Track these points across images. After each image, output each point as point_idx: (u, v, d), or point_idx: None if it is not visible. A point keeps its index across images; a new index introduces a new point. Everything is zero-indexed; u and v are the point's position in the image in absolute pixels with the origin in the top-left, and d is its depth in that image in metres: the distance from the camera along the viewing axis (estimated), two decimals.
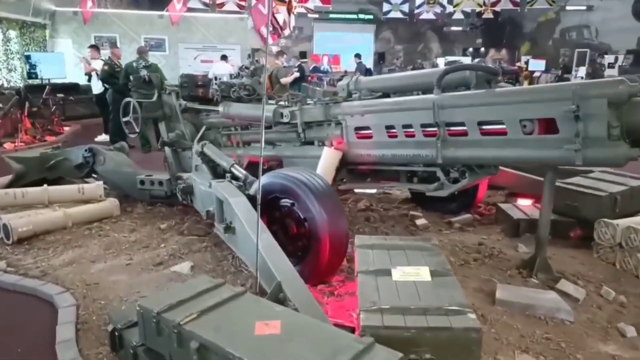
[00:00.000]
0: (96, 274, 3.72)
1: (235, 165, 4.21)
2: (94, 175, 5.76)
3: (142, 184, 5.04)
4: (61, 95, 12.08)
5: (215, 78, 6.11)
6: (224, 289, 2.45)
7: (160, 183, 4.94)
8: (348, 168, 4.33)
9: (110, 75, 9.53)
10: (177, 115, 5.44)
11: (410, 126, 3.66)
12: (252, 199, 3.58)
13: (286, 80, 10.77)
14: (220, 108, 4.90)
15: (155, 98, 5.47)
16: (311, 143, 4.43)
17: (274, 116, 4.41)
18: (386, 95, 4.12)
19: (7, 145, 8.78)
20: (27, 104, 10.09)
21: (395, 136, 3.75)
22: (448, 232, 4.67)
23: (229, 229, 3.49)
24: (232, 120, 4.98)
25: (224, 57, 13.53)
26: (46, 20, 15.19)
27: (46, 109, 10.96)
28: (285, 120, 4.36)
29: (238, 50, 16.47)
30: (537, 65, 26.40)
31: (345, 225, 3.42)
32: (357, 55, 14.61)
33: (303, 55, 22.04)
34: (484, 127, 3.29)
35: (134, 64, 8.37)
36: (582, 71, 22.81)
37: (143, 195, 5.17)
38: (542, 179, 5.18)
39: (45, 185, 4.79)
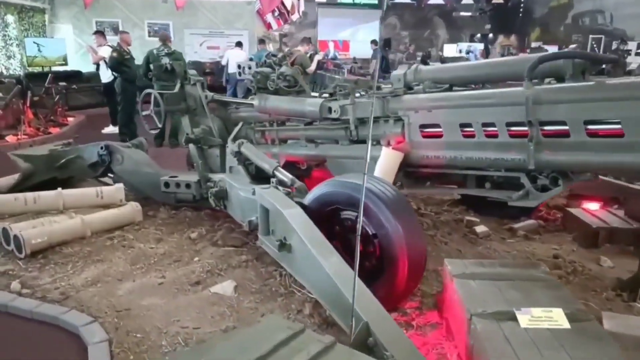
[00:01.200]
0: (125, 296, 3.20)
1: (279, 167, 3.68)
2: (110, 175, 5.22)
3: (166, 186, 4.51)
4: (63, 83, 11.44)
5: (239, 67, 5.57)
6: (306, 338, 1.93)
7: (188, 186, 4.41)
8: (406, 171, 3.80)
9: (119, 62, 8.94)
10: (202, 108, 4.88)
11: (492, 124, 3.12)
12: (306, 209, 3.08)
13: (311, 69, 10.18)
14: (255, 101, 4.35)
15: (177, 89, 4.92)
16: (363, 142, 3.89)
17: (321, 111, 3.87)
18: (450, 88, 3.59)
19: (10, 139, 8.21)
20: (29, 94, 9.49)
21: (472, 136, 3.22)
22: (513, 241, 4.16)
23: (283, 246, 2.96)
24: (268, 115, 4.43)
25: (239, 44, 12.89)
26: (45, 4, 14.49)
27: (49, 99, 10.35)
28: (334, 115, 3.82)
29: (246, 36, 15.82)
30: (550, 51, 25.80)
31: (424, 243, 2.91)
32: (374, 42, 14.03)
33: (307, 41, 21.38)
34: (592, 126, 2.76)
35: (155, 52, 7.80)
36: None
37: (167, 198, 4.64)
38: (608, 179, 4.72)
39: (59, 189, 4.26)
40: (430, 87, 3.63)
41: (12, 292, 3.22)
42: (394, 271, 2.76)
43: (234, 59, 12.15)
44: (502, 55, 25.19)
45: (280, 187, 3.44)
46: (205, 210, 4.70)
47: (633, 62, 17.90)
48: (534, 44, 27.88)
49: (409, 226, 2.80)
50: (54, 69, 12.44)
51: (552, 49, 26.14)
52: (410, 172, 3.84)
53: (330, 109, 3.84)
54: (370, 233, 2.89)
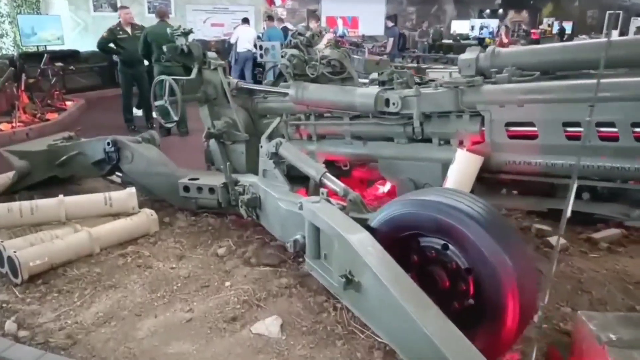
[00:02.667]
0: (147, 340, 2.58)
1: (328, 174, 3.02)
2: (117, 174, 4.56)
3: (186, 191, 3.85)
4: (60, 64, 10.67)
5: (260, 47, 4.89)
6: None
7: (212, 190, 3.75)
8: (479, 176, 3.14)
9: (108, 42, 8.14)
10: (224, 97, 4.20)
11: (610, 124, 2.46)
12: (373, 232, 2.43)
13: (321, 46, 9.39)
14: (290, 90, 3.67)
15: (194, 74, 4.22)
16: (427, 141, 3.24)
17: (376, 103, 3.19)
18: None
19: (4, 127, 7.51)
20: (23, 76, 8.74)
21: (580, 137, 2.56)
22: (597, 256, 3.54)
23: (350, 283, 2.32)
24: (306, 107, 3.74)
25: (245, 21, 12.06)
26: None
27: (45, 81, 9.60)
28: (393, 109, 3.15)
29: (252, 12, 14.96)
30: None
31: (537, 278, 2.28)
32: (390, 18, 13.17)
33: (315, 18, 20.46)
34: None
35: (158, 30, 7.06)
36: (615, 34, 21.35)
37: (186, 204, 3.99)
38: None
39: (61, 196, 3.60)
40: (515, 75, 2.95)
41: (6, 334, 2.60)
42: (500, 316, 2.12)
43: (244, 36, 11.38)
44: (514, 32, 24.31)
45: (332, 201, 2.80)
46: (230, 216, 4.05)
47: None
48: (545, 20, 26.92)
49: (520, 258, 2.16)
50: (50, 48, 11.64)
51: (566, 25, 25.34)
52: (483, 177, 3.18)
53: (387, 101, 3.17)
54: (463, 267, 2.25)
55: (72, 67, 11.12)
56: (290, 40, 4.83)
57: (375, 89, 3.24)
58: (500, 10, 30.01)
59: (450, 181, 2.88)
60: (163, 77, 4.05)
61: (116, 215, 3.72)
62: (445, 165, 3.16)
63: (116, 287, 3.07)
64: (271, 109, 4.13)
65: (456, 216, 2.21)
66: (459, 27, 26.88)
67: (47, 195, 4.55)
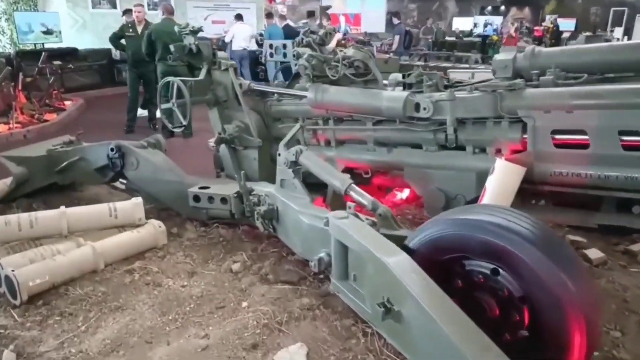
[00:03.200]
0: None
1: (354, 185, 2.78)
2: (122, 181, 4.30)
3: (196, 200, 3.60)
4: (58, 62, 10.40)
5: (270, 46, 4.65)
6: None
7: (224, 200, 3.50)
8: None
9: (116, 37, 7.92)
10: (235, 99, 3.95)
11: None
12: (411, 253, 2.19)
13: (331, 46, 9.14)
14: (309, 93, 3.41)
15: (203, 75, 3.97)
16: (459, 148, 2.99)
17: (405, 108, 2.94)
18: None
19: (0, 128, 7.24)
20: (20, 75, 8.47)
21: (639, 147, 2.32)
22: (637, 271, 3.29)
23: (388, 312, 2.07)
24: (325, 111, 3.49)
25: (239, 17, 11.80)
26: None
27: (43, 80, 9.33)
28: (424, 114, 2.90)
29: (253, 10, 14.71)
30: (566, 25, 24.64)
31: (601, 306, 2.04)
32: (396, 14, 12.91)
33: (311, 14, 20.16)
34: None
35: (163, 27, 6.81)
36: (619, 32, 21.11)
37: (196, 214, 3.74)
38: None
39: (62, 208, 3.34)
40: (560, 77, 2.71)
41: None
42: (564, 351, 1.88)
43: (240, 34, 11.18)
44: (517, 29, 24.03)
45: (362, 217, 2.55)
46: (242, 227, 3.80)
47: None
48: (548, 17, 26.64)
49: (584, 283, 1.92)
50: (47, 45, 11.35)
51: (569, 22, 25.09)
52: (519, 188, 2.93)
53: (418, 106, 2.92)
54: (517, 295, 2.01)
55: (70, 65, 10.87)
56: (302, 39, 4.60)
57: (403, 93, 2.99)
58: (502, 7, 29.80)
59: (490, 194, 2.63)
60: (170, 78, 3.80)
61: (121, 227, 3.46)
62: (480, 175, 2.92)
63: (123, 309, 2.82)
64: (286, 112, 3.88)
65: (509, 238, 1.97)
66: (461, 24, 26.63)
67: (47, 202, 4.34)
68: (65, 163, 4.16)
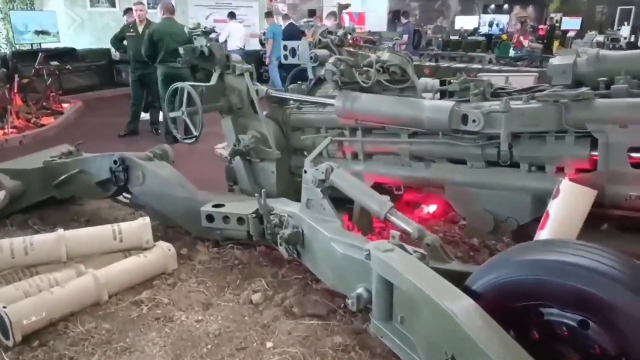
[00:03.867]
0: None
1: (395, 210, 2.42)
2: (125, 195, 3.94)
3: (210, 220, 3.23)
4: (56, 63, 10.01)
5: (285, 48, 4.32)
6: None
7: (241, 220, 3.14)
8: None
9: (117, 39, 7.57)
10: (251, 107, 3.59)
11: None
12: (474, 296, 1.84)
13: None
14: (337, 101, 3.05)
15: (215, 80, 3.61)
16: (513, 165, 2.64)
17: (452, 120, 2.58)
18: None
19: None
20: (16, 77, 8.09)
21: None
22: None
23: None
24: (355, 121, 3.13)
25: (232, 15, 11.46)
26: None
27: (40, 82, 8.94)
28: (473, 127, 2.54)
29: (256, 9, 14.34)
30: (571, 23, 24.31)
31: None
32: (404, 14, 12.57)
33: (312, 13, 19.79)
34: None
35: (164, 28, 6.47)
36: (626, 30, 20.75)
37: (208, 233, 3.38)
38: None
39: (60, 230, 2.97)
40: (633, 85, 2.35)
41: None
42: None
43: (235, 34, 10.90)
44: (526, 28, 23.65)
45: (408, 248, 2.20)
46: (259, 247, 3.45)
47: None
48: (552, 16, 26.29)
49: None
50: (44, 45, 10.97)
51: (574, 21, 24.74)
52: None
53: (466, 118, 2.56)
54: (612, 354, 1.66)
55: (68, 66, 10.47)
56: (320, 40, 4.26)
57: (448, 103, 2.63)
58: (506, 6, 29.44)
59: (554, 220, 2.28)
60: (180, 84, 3.44)
61: (127, 251, 3.10)
62: (536, 196, 2.57)
63: (131, 351, 2.46)
64: (308, 122, 3.52)
65: (605, 285, 1.62)
66: (464, 22, 26.27)
67: (44, 218, 3.99)
68: (63, 176, 3.80)
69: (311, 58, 4.02)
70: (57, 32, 11.48)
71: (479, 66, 9.70)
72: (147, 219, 3.16)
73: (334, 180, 2.62)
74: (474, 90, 2.67)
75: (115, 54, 11.61)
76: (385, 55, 2.82)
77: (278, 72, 11.11)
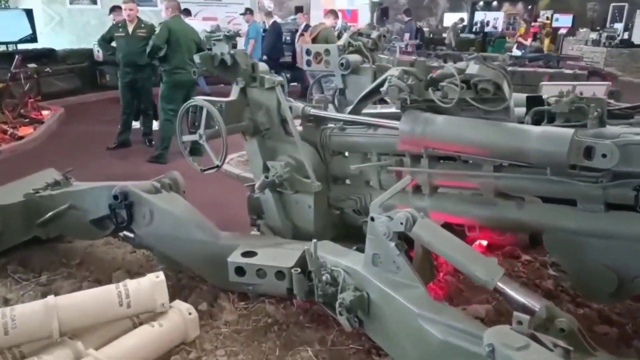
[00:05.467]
0: None
1: (507, 278, 1.81)
2: (127, 233, 3.25)
3: (240, 273, 2.57)
4: (33, 65, 9.18)
5: (308, 52, 3.73)
6: None
7: (281, 275, 2.49)
8: None
9: (106, 40, 6.85)
10: (280, 127, 2.95)
11: None
12: None
13: (341, 44, 8.14)
14: (403, 123, 2.42)
15: (236, 95, 2.95)
16: (632, 208, 2.04)
17: (571, 153, 1.97)
18: None
19: None
20: None
21: None
22: None
23: None
24: (421, 149, 2.49)
25: (187, 12, 10.81)
26: None
27: (16, 87, 8.13)
28: (606, 163, 1.92)
29: (248, 4, 13.54)
30: (562, 21, 24.05)
31: None
32: (407, 12, 12.02)
33: (299, 10, 19.14)
34: None
35: (183, 28, 5.79)
36: (619, 28, 20.50)
37: (236, 286, 2.72)
38: None
39: (51, 297, 2.28)
40: None
41: None
42: None
43: None
44: (509, 25, 23.34)
45: (540, 336, 1.59)
46: (296, 302, 2.80)
47: None
48: (542, 13, 26.02)
49: None
50: (21, 47, 10.11)
51: (565, 18, 24.50)
52: None
53: (591, 151, 1.95)
54: None
55: (47, 68, 9.64)
56: (349, 43, 3.65)
57: (565, 131, 2.01)
58: (495, 3, 29.12)
59: None
60: (198, 100, 2.77)
61: (136, 318, 2.43)
62: None
63: None
64: (353, 145, 2.88)
65: None
66: (454, 20, 25.85)
67: (25, 262, 3.30)
68: (50, 213, 3.10)
69: (341, 65, 3.41)
70: (35, 32, 10.58)
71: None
72: (161, 276, 2.48)
73: (418, 234, 1.99)
74: (592, 113, 2.06)
75: (98, 55, 10.82)
76: (472, 68, 2.18)
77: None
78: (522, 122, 2.30)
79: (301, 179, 2.85)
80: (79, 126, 8.00)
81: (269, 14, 11.60)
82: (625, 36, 19.90)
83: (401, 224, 2.00)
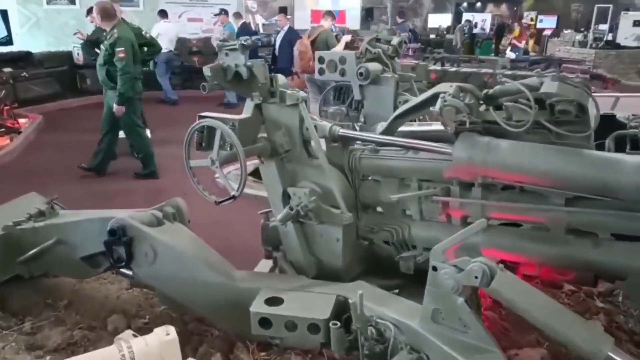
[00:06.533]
0: None
1: (617, 348, 1.46)
2: (123, 269, 2.82)
3: (265, 325, 2.18)
4: (9, 69, 8.62)
5: (321, 60, 3.42)
6: None
7: (315, 328, 2.11)
8: None
9: (92, 43, 6.37)
10: (302, 148, 2.56)
11: None
12: None
13: (337, 49, 7.79)
14: (460, 149, 2.06)
15: (250, 112, 2.56)
16: None
17: None
18: None
19: None
20: None
21: None
22: None
23: None
24: (475, 176, 2.14)
25: (164, 14, 10.43)
26: None
27: None
28: None
29: (234, 6, 13.11)
30: (547, 22, 24.12)
31: None
32: (400, 13, 11.75)
33: (283, 10, 18.75)
34: None
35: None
36: (605, 29, 20.54)
37: (258, 337, 2.33)
38: None
39: None
40: None
41: None
42: None
43: (166, 34, 9.96)
44: (493, 26, 23.20)
45: None
46: (326, 352, 2.42)
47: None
48: (526, 14, 26.06)
49: None
50: None
51: (549, 19, 24.56)
52: None
53: None
54: None
55: (24, 72, 9.07)
56: (367, 50, 3.31)
57: None
58: (479, 4, 29.13)
59: None
60: (208, 120, 2.37)
61: None
62: None
63: None
64: (391, 170, 2.50)
65: None
66: (438, 21, 25.77)
67: (5, 305, 2.90)
68: (33, 251, 2.66)
69: (360, 74, 3.06)
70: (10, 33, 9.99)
71: (490, 70, 8.87)
72: (173, 333, 2.07)
73: (498, 290, 1.63)
74: None
75: (78, 58, 10.28)
76: (550, 85, 1.83)
77: None
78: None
79: (329, 209, 2.47)
80: (60, 135, 7.47)
81: (237, 14, 11.22)
82: (610, 37, 19.95)
83: (476, 278, 1.64)
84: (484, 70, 9.11)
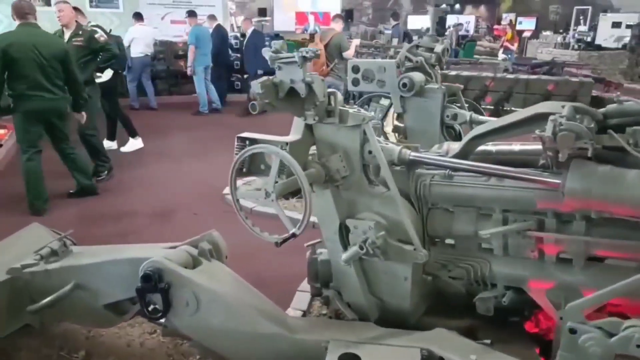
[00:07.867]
0: None
1: None
2: (152, 314, 2.43)
3: None
4: None
5: (355, 70, 3.17)
6: None
7: None
8: None
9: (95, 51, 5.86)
10: (362, 175, 2.23)
11: None
12: None
13: (350, 53, 7.50)
14: (571, 179, 1.76)
15: (300, 133, 2.21)
16: None
17: None
18: None
19: None
20: None
21: None
22: None
23: None
24: (577, 208, 1.85)
25: (138, 16, 10.01)
26: None
27: None
28: None
29: (219, 7, 12.66)
30: (526, 24, 24.33)
31: None
32: (394, 15, 11.52)
33: (263, 13, 18.36)
34: None
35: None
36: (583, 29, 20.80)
37: None
38: None
39: None
40: None
41: None
42: None
43: (141, 38, 9.73)
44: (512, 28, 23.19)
45: None
46: None
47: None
48: (505, 16, 26.25)
49: None
50: None
51: (528, 22, 24.76)
52: None
53: None
54: None
55: None
56: (407, 58, 3.02)
57: None
58: (457, 5, 29.23)
59: None
60: (261, 147, 2.02)
61: None
62: None
63: None
64: (468, 199, 2.18)
65: None
66: (418, 22, 25.72)
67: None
68: (48, 299, 2.26)
69: (404, 85, 2.77)
70: None
71: (491, 74, 8.70)
72: None
73: None
74: None
75: None
76: None
77: (210, 84, 9.77)
78: None
79: (400, 245, 2.14)
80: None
81: (212, 17, 10.84)
82: (588, 39, 20.17)
83: (638, 347, 1.34)
84: (485, 74, 8.98)
